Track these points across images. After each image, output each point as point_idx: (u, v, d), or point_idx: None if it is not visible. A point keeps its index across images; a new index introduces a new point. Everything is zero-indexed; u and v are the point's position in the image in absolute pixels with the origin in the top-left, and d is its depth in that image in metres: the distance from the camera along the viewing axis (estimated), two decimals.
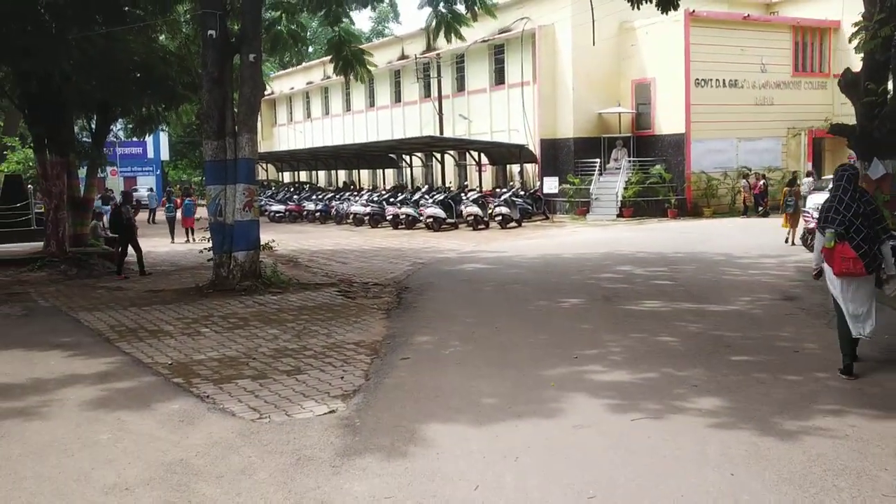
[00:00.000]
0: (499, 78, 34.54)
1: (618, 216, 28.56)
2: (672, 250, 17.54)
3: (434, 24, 15.05)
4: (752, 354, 7.65)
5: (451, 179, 36.61)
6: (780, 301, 10.61)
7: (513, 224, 26.74)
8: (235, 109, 12.47)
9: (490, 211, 26.85)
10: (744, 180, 29.04)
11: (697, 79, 29.24)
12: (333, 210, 31.28)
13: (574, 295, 11.55)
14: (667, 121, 29.91)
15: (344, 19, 14.55)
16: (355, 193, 33.81)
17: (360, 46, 15.47)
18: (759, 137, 31.01)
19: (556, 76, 31.28)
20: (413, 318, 9.88)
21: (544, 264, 15.81)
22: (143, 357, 8.16)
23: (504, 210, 26.42)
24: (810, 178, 25.49)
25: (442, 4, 14.76)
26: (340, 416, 5.99)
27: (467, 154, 36.03)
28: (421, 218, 26.99)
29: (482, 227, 26.32)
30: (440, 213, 26.23)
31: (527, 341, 8.45)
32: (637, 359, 7.50)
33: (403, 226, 27.47)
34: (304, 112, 50.61)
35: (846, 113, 32.94)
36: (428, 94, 38.10)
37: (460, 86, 36.80)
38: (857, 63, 31.68)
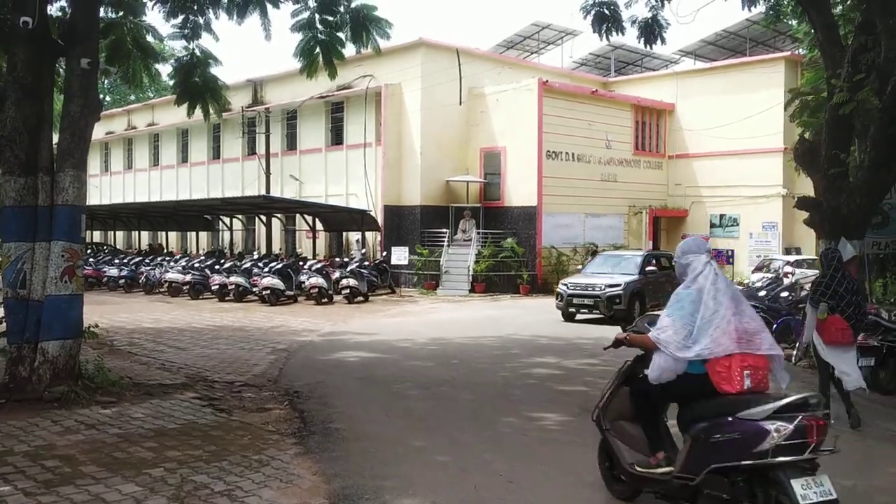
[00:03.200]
0: (336, 137, 31.75)
1: (470, 291, 26.36)
2: (572, 335, 15.42)
3: (306, 52, 11.85)
4: None
5: (279, 246, 32.95)
6: None
7: (359, 298, 23.68)
8: (56, 135, 8.64)
9: (335, 283, 23.65)
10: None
11: (549, 150, 28.15)
12: (143, 277, 26.50)
13: (537, 403, 8.77)
14: (517, 192, 28.43)
15: (204, 34, 11.14)
16: (167, 258, 29.16)
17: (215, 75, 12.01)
18: (604, 214, 30.42)
19: (403, 139, 28.99)
20: (349, 456, 6.51)
21: (443, 353, 12.94)
22: None
23: (352, 282, 23.30)
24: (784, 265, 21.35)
25: (321, 31, 11.68)
26: None
27: (297, 219, 32.63)
28: (254, 289, 23.20)
29: (325, 301, 23.01)
30: (278, 284, 22.61)
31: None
32: None
33: (232, 298, 23.50)
34: (101, 165, 44.64)
35: (679, 194, 33.63)
36: (253, 151, 34.48)
37: (291, 144, 33.59)
38: (694, 146, 32.83)
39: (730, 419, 4.55)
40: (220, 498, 5.33)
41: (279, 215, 32.27)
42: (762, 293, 14.99)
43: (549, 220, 28.20)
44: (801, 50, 29.70)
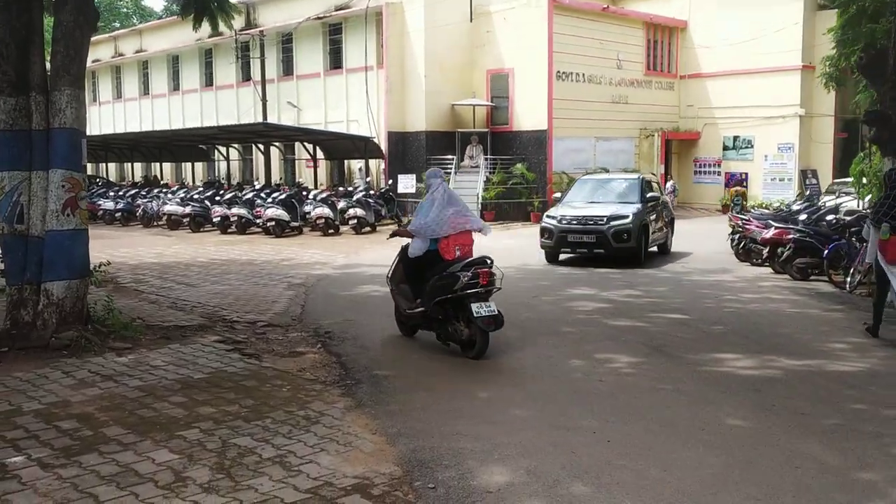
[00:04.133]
0: (335, 61, 30.28)
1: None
2: (592, 265, 14.66)
3: None
4: None
5: (279, 176, 31.86)
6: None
7: (367, 229, 22.79)
8: (49, 49, 7.57)
9: (341, 213, 22.72)
10: None
11: (559, 72, 26.86)
12: (140, 210, 25.46)
13: (598, 342, 8.02)
14: (526, 116, 27.24)
15: None
16: (164, 190, 28.08)
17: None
18: (615, 137, 29.29)
19: (406, 62, 27.60)
20: (410, 411, 5.64)
21: None
22: None
23: (360, 212, 22.37)
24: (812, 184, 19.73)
25: None
26: None
27: (296, 147, 31.46)
28: (257, 221, 22.26)
29: (332, 231, 22.12)
30: (283, 215, 21.65)
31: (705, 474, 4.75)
32: None
33: (235, 230, 22.58)
34: (90, 94, 43.00)
35: (690, 115, 32.43)
36: (248, 78, 33.03)
37: (287, 69, 32.10)
38: (707, 65, 31.48)
39: (445, 272, 7.55)
40: (271, 466, 4.53)
41: (278, 144, 31.07)
42: (803, 216, 14.15)
43: (560, 144, 27.12)
44: None
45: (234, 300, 10.82)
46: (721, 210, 29.93)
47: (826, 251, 11.64)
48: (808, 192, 22.19)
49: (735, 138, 30.29)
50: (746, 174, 29.95)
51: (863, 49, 10.20)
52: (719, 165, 30.78)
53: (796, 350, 7.77)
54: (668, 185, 29.17)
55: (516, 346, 7.92)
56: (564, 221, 15.01)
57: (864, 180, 14.21)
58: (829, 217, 13.59)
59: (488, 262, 7.54)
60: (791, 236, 12.53)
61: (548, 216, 15.71)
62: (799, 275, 12.47)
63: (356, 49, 28.84)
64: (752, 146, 29.86)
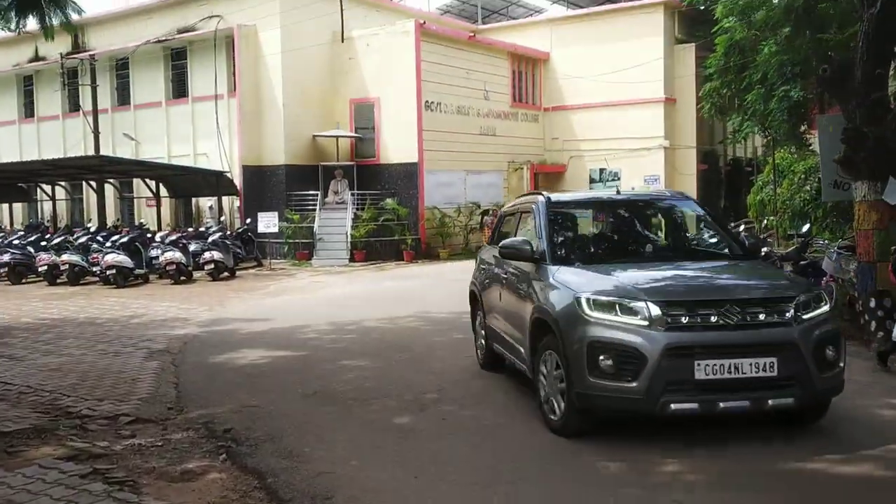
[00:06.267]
0: (179, 89, 27.35)
1: (350, 260, 23.35)
2: None
3: None
4: None
5: (115, 216, 28.28)
6: None
7: (225, 274, 20.11)
8: None
9: (195, 257, 19.92)
10: (487, 217, 25.71)
11: (427, 102, 25.42)
12: None
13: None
14: (395, 148, 25.54)
15: None
16: None
17: None
18: (484, 171, 28.19)
19: (262, 89, 25.18)
20: None
21: (376, 343, 10.05)
22: None
23: (217, 255, 19.66)
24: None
25: None
26: None
27: (135, 184, 28.07)
28: (94, 269, 19.03)
29: (185, 279, 19.28)
30: (126, 261, 18.56)
31: None
32: None
33: (66, 280, 19.21)
34: None
35: (556, 149, 31.89)
36: (76, 108, 29.33)
37: (123, 98, 28.78)
38: (571, 97, 31.02)
39: None
40: None
41: (113, 181, 27.56)
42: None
43: (431, 178, 25.61)
44: None
45: (79, 379, 8.18)
46: None
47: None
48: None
49: (602, 171, 29.98)
50: None
51: (828, 61, 9.13)
52: None
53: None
54: None
55: (510, 440, 5.95)
56: (673, 314, 5.42)
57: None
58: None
59: None
60: None
61: (597, 300, 5.62)
62: None
63: (204, 75, 26.11)
64: (619, 178, 29.59)
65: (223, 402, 7.00)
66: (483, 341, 8.15)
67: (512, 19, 36.57)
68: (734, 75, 18.51)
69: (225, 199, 25.54)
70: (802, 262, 10.66)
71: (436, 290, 16.53)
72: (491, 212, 26.11)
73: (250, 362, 9.00)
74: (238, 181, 24.97)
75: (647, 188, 27.08)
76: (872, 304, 8.27)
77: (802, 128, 20.50)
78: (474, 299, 8.60)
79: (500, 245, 7.00)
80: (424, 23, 25.71)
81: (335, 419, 6.39)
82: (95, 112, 27.34)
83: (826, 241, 12.51)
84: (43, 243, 20.95)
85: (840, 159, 8.79)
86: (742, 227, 16.13)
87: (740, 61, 18.10)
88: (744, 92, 18.75)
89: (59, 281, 19.34)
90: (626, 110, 28.78)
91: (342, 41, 25.64)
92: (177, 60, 27.32)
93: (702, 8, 25.72)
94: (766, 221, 17.97)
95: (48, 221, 28.92)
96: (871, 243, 8.91)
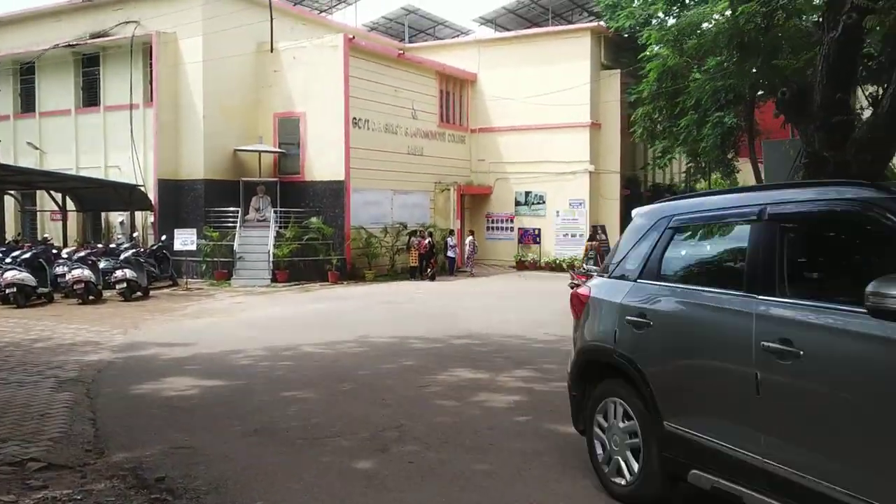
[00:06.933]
0: (90, 97, 25.83)
1: (273, 280, 22.32)
2: (442, 333, 12.40)
3: None
4: None
5: (15, 231, 26.40)
6: None
7: (139, 294, 18.82)
8: None
9: (105, 275, 18.58)
10: (414, 238, 25.08)
11: (355, 118, 24.73)
12: None
13: (559, 457, 5.55)
14: (321, 165, 24.69)
15: None
16: None
17: None
18: (411, 191, 27.61)
19: (181, 99, 23.97)
20: None
21: (315, 372, 9.24)
22: None
23: (130, 274, 18.37)
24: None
25: None
26: None
27: (38, 196, 26.30)
28: None
29: (94, 298, 17.92)
30: (29, 278, 17.11)
31: None
32: None
33: None
34: None
35: (482, 170, 31.56)
36: None
37: (28, 104, 27.01)
38: (498, 119, 30.79)
39: None
40: None
41: (14, 192, 25.72)
42: None
43: (357, 196, 24.87)
44: (602, 22, 28.96)
45: None
46: (515, 266, 29.18)
47: None
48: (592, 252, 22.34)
49: (527, 193, 29.85)
50: (539, 230, 29.56)
51: (786, 86, 8.95)
52: (512, 221, 30.16)
53: None
54: (468, 240, 27.94)
55: (489, 484, 5.30)
56: None
57: None
58: None
59: None
60: None
61: None
62: None
63: (118, 83, 24.72)
64: (543, 202, 29.53)
65: (151, 441, 6.11)
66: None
67: (438, 39, 36.33)
68: (666, 101, 18.58)
69: (138, 214, 24.13)
70: None
71: (368, 312, 15.80)
72: (418, 232, 25.59)
73: (178, 393, 8.08)
74: (153, 195, 23.65)
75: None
76: None
77: (731, 154, 20.86)
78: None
79: None
80: (353, 38, 25.06)
81: (285, 463, 5.61)
82: None
83: None
84: None
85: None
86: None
87: (672, 87, 18.13)
88: (677, 117, 18.87)
89: None
90: (552, 134, 28.74)
91: (271, 51, 24.71)
92: (88, 66, 25.80)
93: (626, 35, 26.01)
94: None
95: None
96: None
